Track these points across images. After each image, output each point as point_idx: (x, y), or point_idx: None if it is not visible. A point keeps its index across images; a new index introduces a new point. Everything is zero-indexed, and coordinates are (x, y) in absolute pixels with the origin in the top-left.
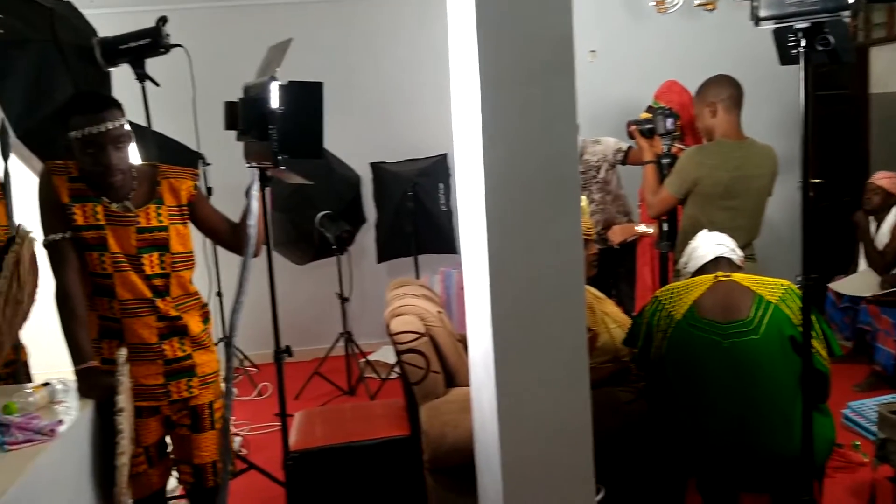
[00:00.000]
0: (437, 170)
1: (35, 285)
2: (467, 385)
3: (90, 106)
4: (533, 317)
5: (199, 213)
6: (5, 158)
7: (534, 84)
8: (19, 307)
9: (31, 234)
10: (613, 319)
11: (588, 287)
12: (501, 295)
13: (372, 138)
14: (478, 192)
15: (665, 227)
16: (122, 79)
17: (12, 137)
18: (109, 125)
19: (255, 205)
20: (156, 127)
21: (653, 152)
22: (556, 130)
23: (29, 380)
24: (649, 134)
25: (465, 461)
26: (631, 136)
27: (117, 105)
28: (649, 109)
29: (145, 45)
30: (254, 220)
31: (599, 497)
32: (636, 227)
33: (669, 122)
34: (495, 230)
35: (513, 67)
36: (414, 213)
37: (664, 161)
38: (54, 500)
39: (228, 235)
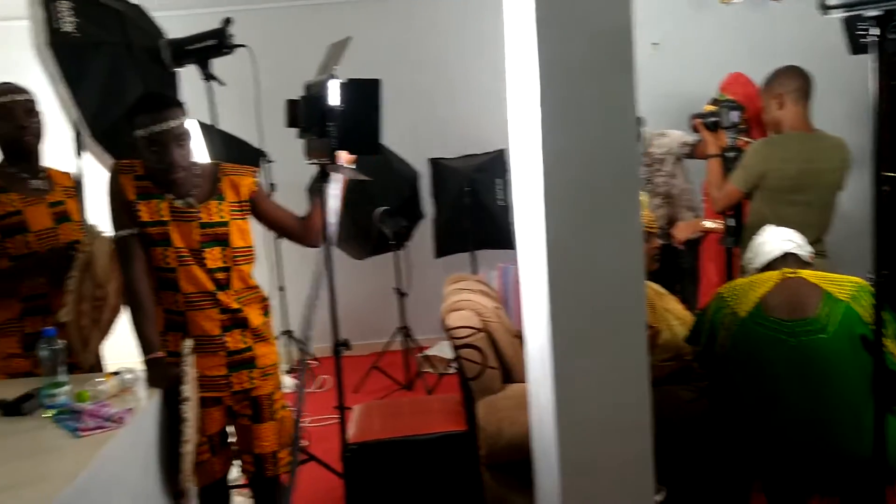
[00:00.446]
0: (495, 165)
1: (120, 281)
2: (524, 381)
3: (154, 105)
4: (591, 313)
5: (260, 207)
6: (79, 157)
7: (593, 78)
8: (103, 304)
9: (104, 234)
10: (675, 316)
11: (650, 283)
12: (559, 291)
13: (430, 134)
14: (536, 188)
15: (731, 222)
16: (189, 79)
17: (86, 136)
18: (172, 123)
19: (335, 203)
20: (221, 125)
21: (718, 146)
22: (616, 125)
23: (101, 369)
24: (714, 127)
25: (521, 457)
26: (695, 129)
27: (179, 105)
28: (714, 102)
29: (211, 46)
30: (332, 219)
31: (660, 498)
32: (702, 223)
33: (735, 115)
34: (553, 226)
35: (571, 61)
36: (471, 209)
37: (729, 155)
38: (122, 484)
39: (292, 228)
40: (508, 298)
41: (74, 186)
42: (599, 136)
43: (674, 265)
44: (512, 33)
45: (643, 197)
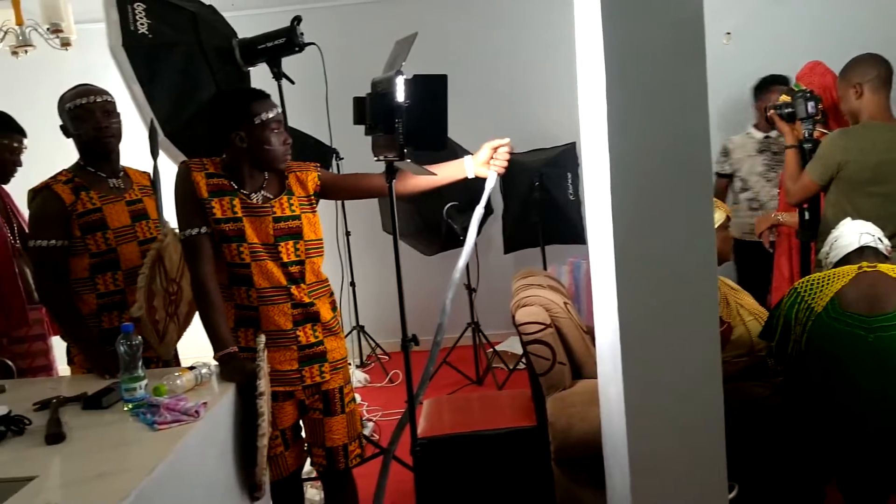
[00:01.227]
0: (566, 159)
1: None
2: (594, 377)
3: (260, 93)
4: (662, 308)
5: (335, 187)
6: (154, 157)
7: (661, 69)
8: (179, 298)
9: (175, 230)
10: (749, 311)
11: (722, 278)
12: (628, 285)
13: (499, 128)
14: (603, 181)
15: (806, 215)
16: (258, 77)
17: (160, 136)
18: (278, 109)
19: (484, 199)
20: (292, 123)
21: (795, 136)
22: (686, 117)
23: (178, 363)
24: (790, 118)
25: (592, 453)
26: (769, 121)
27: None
28: (789, 92)
29: (281, 45)
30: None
31: (732, 495)
32: (774, 216)
33: (811, 106)
34: (621, 220)
35: (639, 52)
36: (541, 204)
37: (806, 146)
38: (199, 476)
39: (378, 187)
40: (579, 294)
41: (151, 185)
42: (669, 129)
43: (753, 262)
44: (581, 23)
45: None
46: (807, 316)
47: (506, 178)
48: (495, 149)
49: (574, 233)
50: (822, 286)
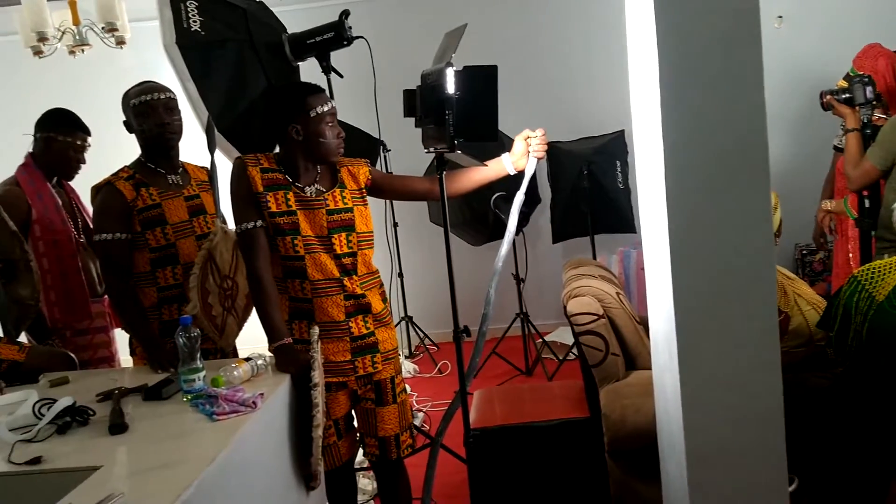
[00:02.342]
0: (615, 147)
1: None
2: (648, 368)
3: (316, 87)
4: (719, 297)
5: (385, 185)
6: (212, 152)
7: (715, 54)
8: (235, 292)
9: (225, 227)
10: (807, 301)
11: (779, 267)
12: (684, 275)
13: (546, 117)
14: (657, 169)
15: (866, 203)
16: (307, 71)
17: (216, 132)
18: (333, 102)
19: (524, 185)
20: (340, 116)
21: (857, 119)
22: (742, 103)
23: (235, 355)
24: (848, 104)
25: (646, 445)
26: (825, 107)
27: None
28: (847, 77)
29: (330, 39)
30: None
31: (792, 488)
32: (823, 203)
33: (868, 91)
34: (676, 207)
35: (693, 38)
36: (590, 193)
37: (867, 132)
38: (257, 466)
39: (426, 190)
40: (630, 283)
41: (208, 180)
42: (724, 115)
43: None
44: (632, 8)
45: None
46: (868, 305)
47: (554, 167)
48: (526, 138)
49: (624, 222)
50: (884, 275)
